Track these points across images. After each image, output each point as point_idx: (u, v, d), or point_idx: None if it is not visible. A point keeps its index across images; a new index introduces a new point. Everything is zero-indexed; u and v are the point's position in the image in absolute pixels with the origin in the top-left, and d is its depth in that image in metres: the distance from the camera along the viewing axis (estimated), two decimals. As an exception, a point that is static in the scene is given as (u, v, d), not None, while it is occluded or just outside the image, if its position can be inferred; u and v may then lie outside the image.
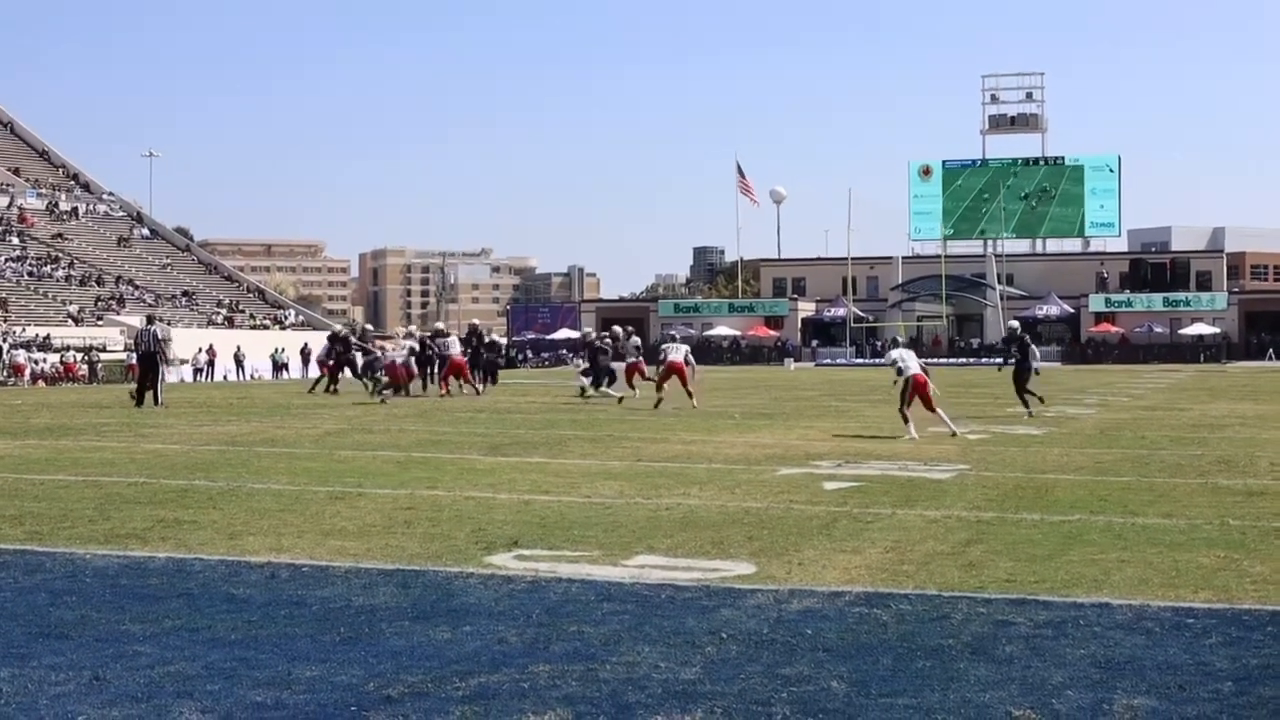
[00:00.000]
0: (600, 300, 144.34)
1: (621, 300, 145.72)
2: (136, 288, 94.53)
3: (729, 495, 15.07)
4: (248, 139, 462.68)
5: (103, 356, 73.62)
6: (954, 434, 23.57)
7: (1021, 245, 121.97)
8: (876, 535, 12.11)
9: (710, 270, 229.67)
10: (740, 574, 10.26)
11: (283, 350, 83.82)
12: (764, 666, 7.43)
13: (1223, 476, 17.02)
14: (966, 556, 10.96)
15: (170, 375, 59.63)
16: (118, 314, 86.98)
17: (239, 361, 78.79)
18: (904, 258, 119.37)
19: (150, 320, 37.94)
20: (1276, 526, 12.62)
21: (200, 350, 75.85)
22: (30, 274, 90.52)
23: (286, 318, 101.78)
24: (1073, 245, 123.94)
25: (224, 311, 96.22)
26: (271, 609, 8.87)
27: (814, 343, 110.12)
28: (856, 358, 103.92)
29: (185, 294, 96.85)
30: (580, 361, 46.83)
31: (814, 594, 9.40)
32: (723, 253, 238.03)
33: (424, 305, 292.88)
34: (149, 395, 34.43)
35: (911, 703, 6.72)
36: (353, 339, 44.96)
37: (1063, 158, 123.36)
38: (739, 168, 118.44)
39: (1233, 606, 9.02)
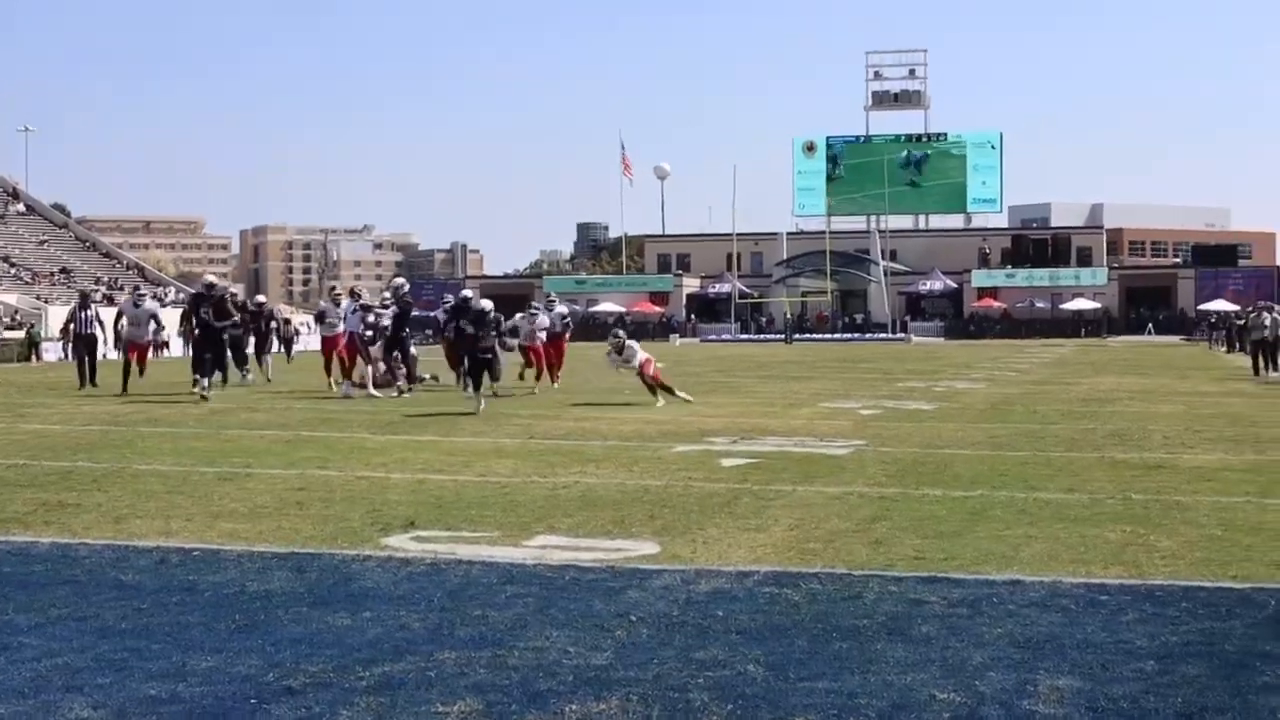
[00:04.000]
0: (485, 276, 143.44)
1: (506, 276, 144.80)
2: (13, 265, 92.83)
3: (627, 473, 14.85)
4: (126, 115, 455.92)
5: (-21, 335, 72.09)
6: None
7: (905, 221, 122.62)
8: (779, 513, 11.94)
9: (594, 246, 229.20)
10: (645, 554, 10.05)
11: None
12: (677, 650, 7.22)
13: (1118, 450, 17.04)
14: (873, 534, 10.81)
15: (49, 354, 58.66)
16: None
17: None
18: (788, 234, 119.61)
19: (86, 301, 35.48)
20: (1178, 500, 12.59)
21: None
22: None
23: (167, 295, 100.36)
24: (955, 221, 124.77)
25: (102, 289, 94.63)
26: (162, 596, 8.54)
27: (692, 318, 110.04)
28: (741, 334, 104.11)
29: (63, 271, 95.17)
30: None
31: (722, 574, 9.20)
32: (607, 229, 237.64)
33: (305, 283, 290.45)
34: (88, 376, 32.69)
35: (832, 686, 6.53)
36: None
37: (945, 134, 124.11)
38: (622, 145, 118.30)
39: (1145, 582, 8.92)
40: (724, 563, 9.63)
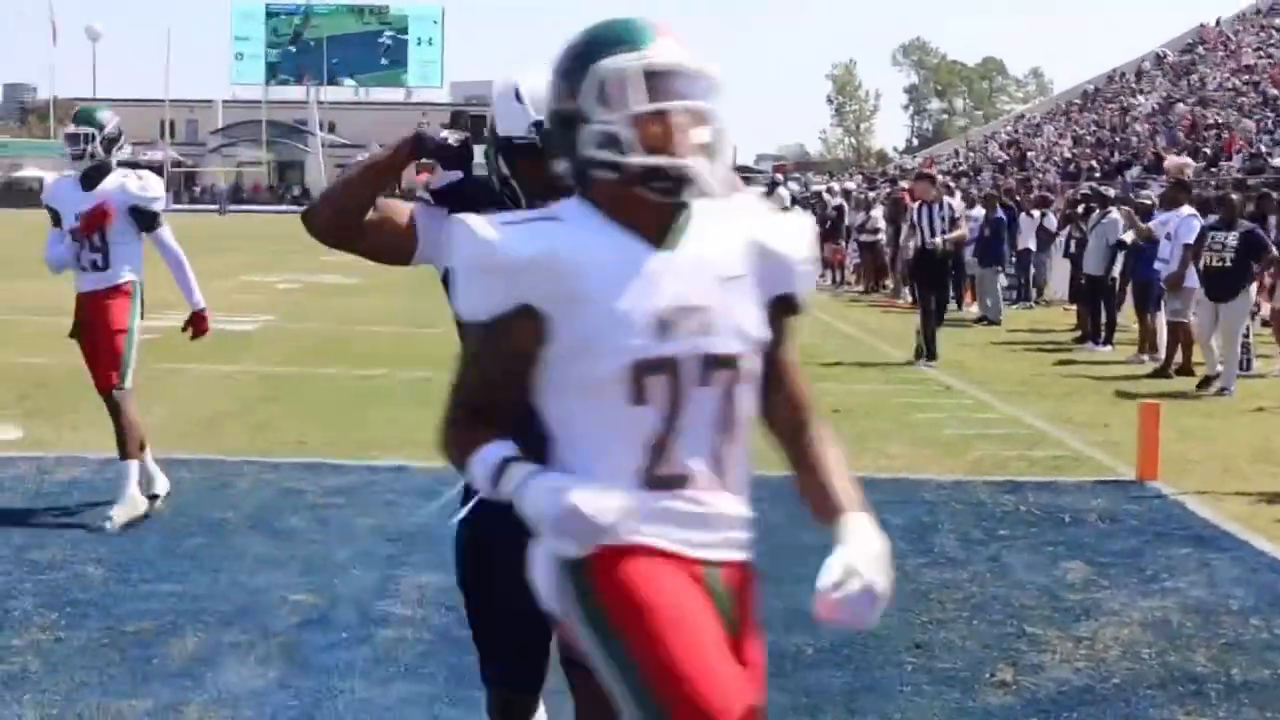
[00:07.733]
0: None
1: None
2: None
3: (3, 350, 13.79)
4: None
5: None
6: None
7: (345, 94, 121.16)
8: (164, 392, 11.20)
9: (22, 109, 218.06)
10: (5, 439, 9.20)
11: None
12: (13, 550, 6.52)
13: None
14: (258, 416, 10.24)
15: None
16: None
17: None
18: (225, 102, 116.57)
19: None
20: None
21: None
22: None
23: None
24: (396, 95, 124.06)
25: None
26: None
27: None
28: (175, 203, 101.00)
29: None
30: None
31: (84, 461, 8.46)
32: (35, 91, 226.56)
33: None
34: None
35: (177, 589, 5.96)
36: None
37: (387, 7, 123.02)
38: (50, 7, 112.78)
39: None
40: (90, 449, 8.84)
